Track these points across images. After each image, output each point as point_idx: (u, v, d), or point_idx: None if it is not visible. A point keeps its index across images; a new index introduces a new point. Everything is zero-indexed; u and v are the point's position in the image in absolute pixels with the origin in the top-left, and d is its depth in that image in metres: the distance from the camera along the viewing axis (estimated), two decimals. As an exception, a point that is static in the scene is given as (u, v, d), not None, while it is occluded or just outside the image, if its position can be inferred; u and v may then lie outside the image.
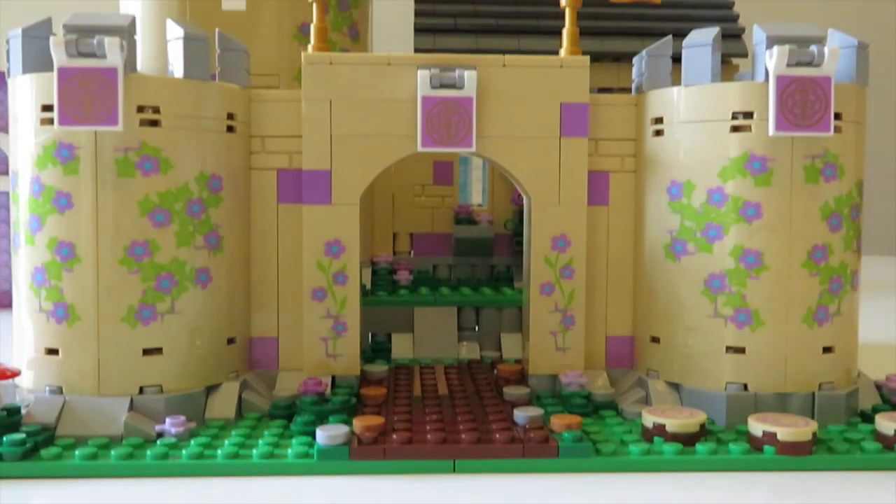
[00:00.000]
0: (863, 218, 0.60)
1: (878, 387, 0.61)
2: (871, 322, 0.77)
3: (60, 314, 0.54)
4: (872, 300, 0.98)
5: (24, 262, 0.56)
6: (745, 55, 0.82)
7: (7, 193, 1.19)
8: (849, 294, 0.58)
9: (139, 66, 0.70)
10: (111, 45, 0.52)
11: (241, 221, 0.60)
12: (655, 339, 0.61)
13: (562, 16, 0.63)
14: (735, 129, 0.56)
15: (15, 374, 0.54)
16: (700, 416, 0.53)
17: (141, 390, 0.55)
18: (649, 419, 0.52)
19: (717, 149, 0.57)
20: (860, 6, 1.67)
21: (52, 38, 0.52)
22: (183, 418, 0.53)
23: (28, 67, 0.55)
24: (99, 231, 0.54)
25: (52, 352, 0.55)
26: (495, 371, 0.67)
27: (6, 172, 1.18)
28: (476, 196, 1.09)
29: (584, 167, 0.61)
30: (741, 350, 0.57)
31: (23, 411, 0.53)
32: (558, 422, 0.52)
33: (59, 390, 0.54)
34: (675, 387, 0.59)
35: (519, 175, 0.61)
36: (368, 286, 0.80)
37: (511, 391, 0.60)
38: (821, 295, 0.57)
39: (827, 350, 0.58)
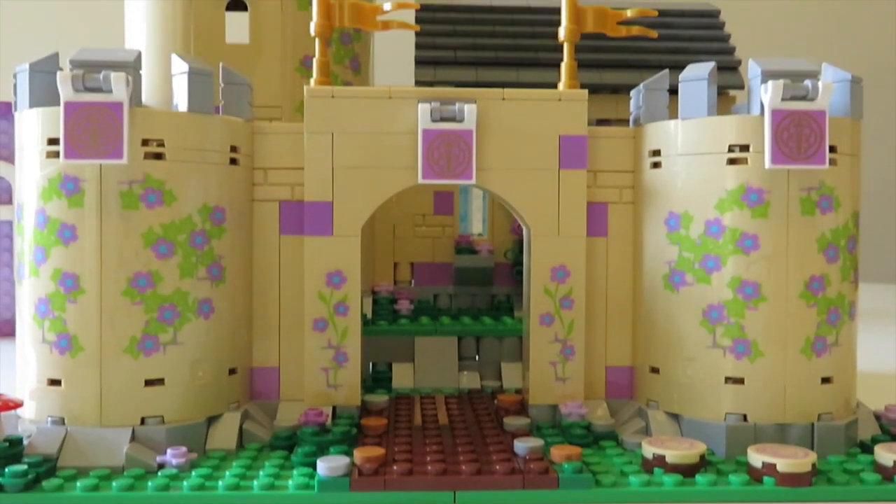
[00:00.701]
0: (860, 248, 0.61)
1: (878, 417, 0.61)
2: (871, 351, 0.77)
3: (63, 345, 0.55)
4: (872, 328, 0.98)
5: (28, 293, 0.56)
6: (741, 87, 0.83)
7: (10, 223, 1.19)
8: (846, 325, 0.59)
9: (144, 97, 0.70)
10: (117, 79, 0.53)
11: (244, 252, 0.61)
12: (655, 370, 0.61)
13: (560, 49, 0.64)
14: (732, 161, 0.57)
15: (18, 405, 0.55)
16: (700, 447, 0.53)
17: (142, 421, 0.55)
18: (649, 450, 0.52)
19: (715, 181, 0.58)
20: (857, 38, 1.69)
21: (58, 73, 0.53)
22: (184, 449, 0.53)
23: (35, 101, 0.56)
24: (103, 262, 0.54)
25: (55, 382, 0.55)
26: (495, 401, 0.67)
27: (9, 202, 1.19)
28: (476, 225, 1.09)
29: (583, 199, 0.62)
30: (740, 380, 0.57)
31: (25, 442, 0.53)
32: (558, 453, 0.52)
33: (62, 421, 0.55)
34: (675, 417, 0.59)
35: (518, 206, 0.62)
36: (369, 315, 0.80)
37: (511, 421, 0.60)
38: (819, 326, 0.57)
39: (826, 380, 0.58)
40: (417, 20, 0.87)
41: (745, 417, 0.57)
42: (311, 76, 0.63)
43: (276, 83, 0.79)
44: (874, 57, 1.67)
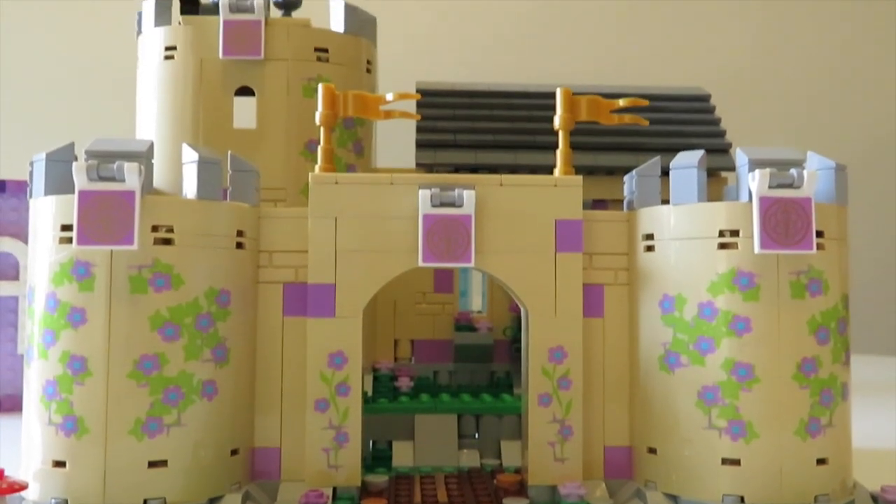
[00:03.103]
0: (850, 329, 0.62)
1: (874, 498, 0.62)
2: (868, 427, 0.77)
3: (69, 427, 0.56)
4: (869, 403, 0.98)
5: (36, 375, 0.57)
6: (732, 168, 0.86)
7: (14, 298, 1.21)
8: (840, 406, 0.60)
9: (154, 176, 0.72)
10: (130, 169, 0.55)
11: (248, 334, 0.62)
12: (652, 450, 0.62)
13: (556, 132, 0.67)
14: (722, 245, 0.59)
15: (23, 487, 0.55)
16: (697, 530, 0.53)
17: (145, 503, 0.56)
18: (647, 533, 0.53)
19: (706, 265, 0.59)
20: (846, 119, 1.73)
21: (74, 164, 0.55)
22: (186, 532, 0.54)
23: (50, 189, 0.58)
24: (111, 345, 0.56)
25: (60, 464, 0.56)
26: (495, 481, 0.67)
27: (15, 278, 1.21)
28: (476, 301, 1.11)
29: (579, 281, 0.63)
30: (736, 462, 0.58)
31: (28, 525, 0.54)
32: (557, 536, 0.52)
33: (65, 503, 0.55)
34: (674, 498, 0.60)
35: (516, 288, 0.64)
36: (370, 393, 0.81)
37: (510, 503, 0.61)
38: (812, 407, 0.58)
39: (821, 462, 0.58)
40: (418, 105, 0.90)
41: (742, 499, 0.57)
42: (315, 160, 0.65)
43: (280, 166, 0.81)
44: (862, 138, 1.71)
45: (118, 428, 0.56)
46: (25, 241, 1.01)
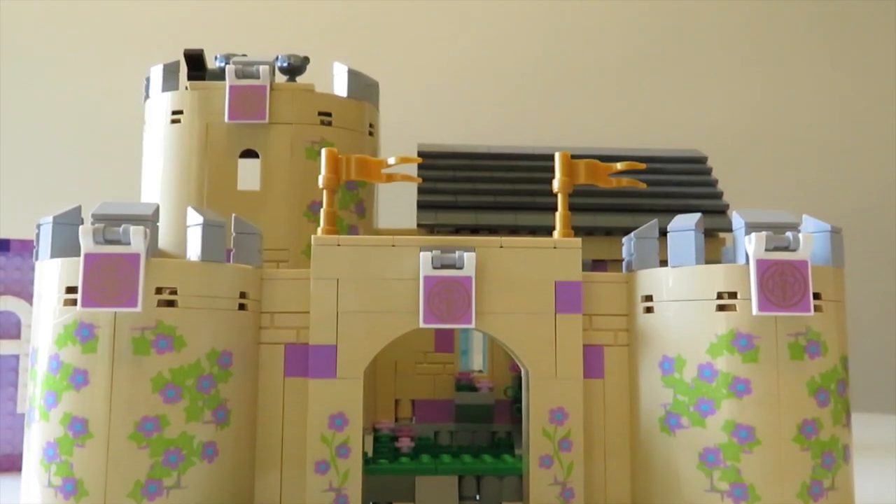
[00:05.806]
0: (850, 391, 0.62)
1: (880, 563, 0.61)
2: (872, 488, 0.76)
3: (69, 489, 0.55)
4: (873, 464, 0.97)
5: (37, 437, 0.57)
6: (729, 229, 0.87)
7: (16, 356, 1.20)
8: (842, 468, 0.59)
9: (160, 234, 0.73)
10: (136, 233, 0.56)
11: (249, 395, 0.62)
12: (654, 514, 0.61)
13: (555, 194, 0.68)
14: (721, 307, 0.60)
15: (20, 551, 0.55)
16: None
17: (143, 567, 0.55)
18: None
19: (705, 326, 0.60)
20: (841, 182, 1.76)
21: (81, 228, 0.56)
22: None
23: (56, 252, 0.59)
24: (112, 407, 0.56)
25: (58, 528, 0.55)
26: (496, 545, 0.67)
27: (17, 336, 1.21)
28: (476, 359, 1.11)
29: (579, 342, 0.64)
30: (739, 526, 0.57)
31: (24, 590, 0.53)
32: None
33: (62, 568, 0.55)
34: (676, 563, 0.59)
35: (517, 349, 0.64)
36: (370, 453, 0.81)
37: (512, 567, 0.60)
38: (814, 469, 0.58)
39: (825, 525, 0.58)
40: (420, 167, 0.91)
41: (745, 564, 0.57)
42: (318, 221, 0.66)
43: (283, 227, 0.82)
44: (858, 198, 1.73)
45: (118, 490, 0.55)
46: (28, 300, 1.02)
